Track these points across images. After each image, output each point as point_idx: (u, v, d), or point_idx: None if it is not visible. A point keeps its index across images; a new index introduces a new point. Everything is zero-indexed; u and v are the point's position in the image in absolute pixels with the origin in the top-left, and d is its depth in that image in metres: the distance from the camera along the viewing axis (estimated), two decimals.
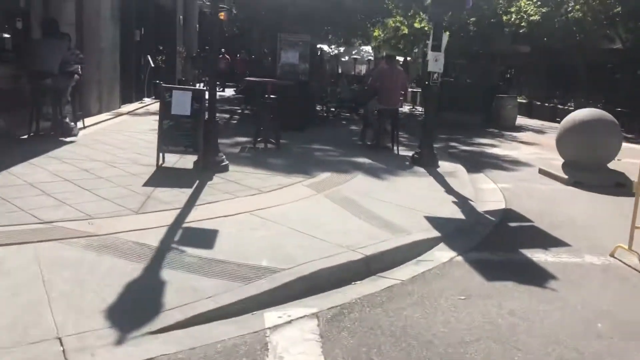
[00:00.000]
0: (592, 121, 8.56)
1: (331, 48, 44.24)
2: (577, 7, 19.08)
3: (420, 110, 22.81)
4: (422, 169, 8.76)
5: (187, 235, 4.79)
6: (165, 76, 17.69)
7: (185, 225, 5.04)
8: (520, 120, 20.80)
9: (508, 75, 40.58)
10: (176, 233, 4.81)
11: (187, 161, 7.50)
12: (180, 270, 4.06)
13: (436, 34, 8.77)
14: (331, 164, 8.67)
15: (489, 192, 7.85)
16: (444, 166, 9.19)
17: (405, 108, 24.38)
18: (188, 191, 6.14)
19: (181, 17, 21.63)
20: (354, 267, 4.45)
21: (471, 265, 4.73)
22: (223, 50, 22.29)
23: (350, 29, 22.73)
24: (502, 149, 12.62)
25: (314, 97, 14.92)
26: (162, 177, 6.79)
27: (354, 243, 4.82)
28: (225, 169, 7.25)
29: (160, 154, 7.27)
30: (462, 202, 6.99)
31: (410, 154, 9.71)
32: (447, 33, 9.00)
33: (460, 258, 4.94)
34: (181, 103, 7.03)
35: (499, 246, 5.39)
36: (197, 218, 5.25)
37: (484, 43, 36.04)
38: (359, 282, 4.32)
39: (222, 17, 23.28)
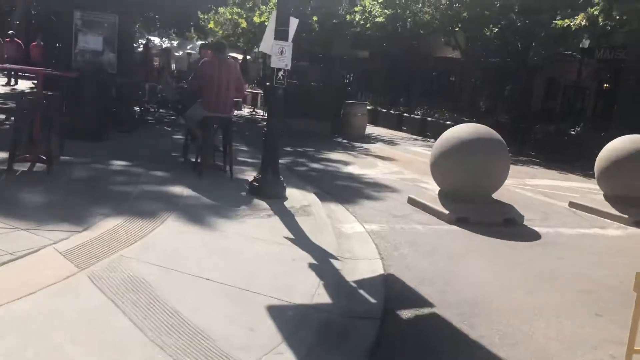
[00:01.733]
0: (476, 141, 6.78)
1: (163, 40, 40.39)
2: (426, 8, 18.14)
3: (262, 113, 20.45)
4: (264, 204, 6.26)
5: None
6: None
7: None
8: (368, 128, 19.47)
9: (347, 81, 40.26)
10: None
11: None
12: None
13: (281, 16, 6.33)
14: (129, 198, 5.80)
15: (356, 241, 5.59)
16: (293, 196, 6.81)
17: (245, 111, 21.89)
18: None
19: None
20: None
21: None
22: (11, 32, 17.78)
23: (177, 15, 19.65)
24: (357, 166, 10.65)
25: (128, 95, 11.72)
26: None
27: None
28: None
29: None
30: (323, 264, 4.64)
31: (249, 177, 7.17)
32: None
33: None
34: None
35: None
36: None
37: (325, 45, 35.07)
38: None
39: None
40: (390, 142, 15.84)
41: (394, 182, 9.10)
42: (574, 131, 17.16)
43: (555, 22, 13.29)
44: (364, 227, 6.09)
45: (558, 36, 14.64)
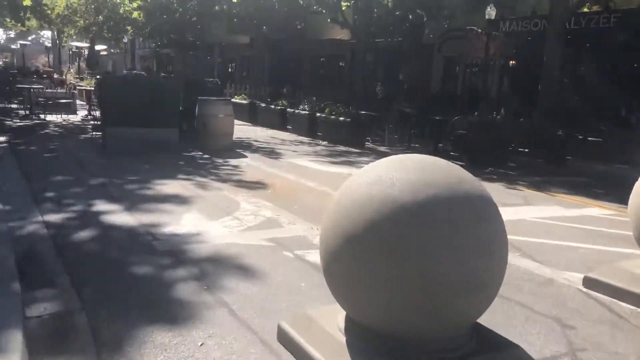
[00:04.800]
0: (429, 206, 2.65)
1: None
2: None
3: (93, 118, 15.26)
4: None
5: None
6: None
7: None
8: (243, 129, 15.15)
9: (230, 70, 35.62)
10: None
11: None
12: None
13: None
14: None
15: None
16: None
17: (79, 116, 16.67)
18: None
19: None
20: None
21: None
22: None
23: None
24: (197, 210, 6.21)
25: None
26: None
27: None
28: None
29: None
30: None
31: None
32: None
33: None
34: None
35: None
36: None
37: (196, 30, 30.18)
38: None
39: None
40: (270, 152, 11.55)
41: (257, 252, 4.84)
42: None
43: None
44: None
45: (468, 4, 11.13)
